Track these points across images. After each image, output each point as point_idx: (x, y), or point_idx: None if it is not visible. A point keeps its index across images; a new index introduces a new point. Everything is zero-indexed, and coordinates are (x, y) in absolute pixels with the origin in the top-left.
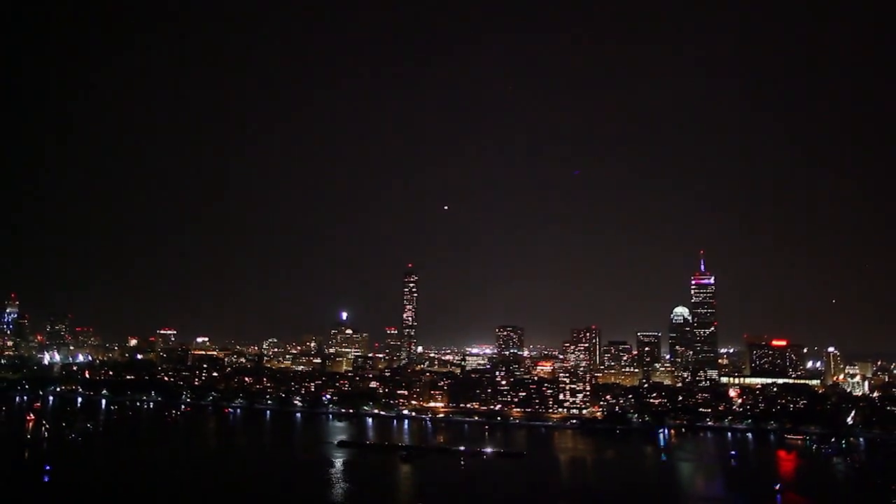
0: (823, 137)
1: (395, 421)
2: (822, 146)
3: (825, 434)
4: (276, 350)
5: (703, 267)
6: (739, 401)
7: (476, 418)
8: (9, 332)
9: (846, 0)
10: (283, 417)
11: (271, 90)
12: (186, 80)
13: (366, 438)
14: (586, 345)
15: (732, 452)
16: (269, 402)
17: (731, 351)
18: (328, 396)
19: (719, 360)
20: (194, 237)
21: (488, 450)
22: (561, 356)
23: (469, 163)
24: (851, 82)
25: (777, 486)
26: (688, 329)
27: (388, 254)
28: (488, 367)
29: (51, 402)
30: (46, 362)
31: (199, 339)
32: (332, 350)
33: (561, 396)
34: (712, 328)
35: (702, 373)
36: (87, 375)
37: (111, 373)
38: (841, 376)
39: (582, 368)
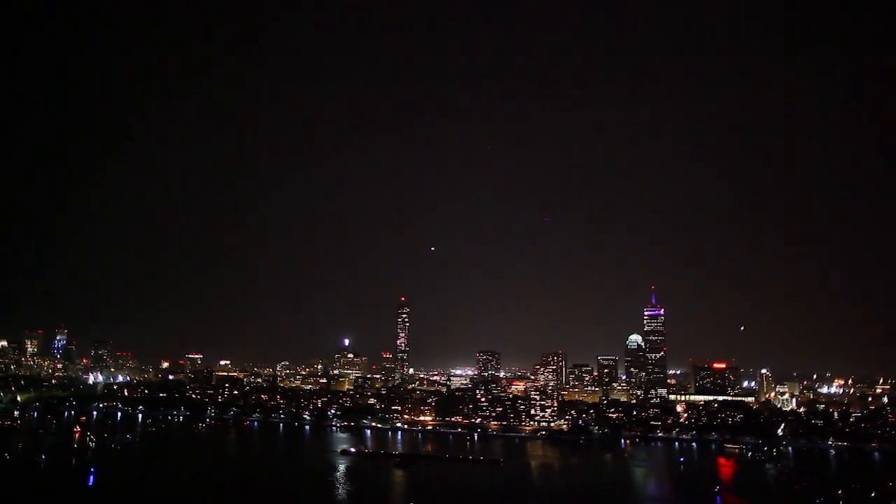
0: (760, 188)
1: (390, 432)
2: (758, 197)
3: (759, 444)
4: (287, 371)
5: (654, 300)
6: (685, 415)
7: (459, 430)
8: (59, 356)
9: (791, 63)
10: (294, 430)
11: (284, 151)
12: (219, 137)
13: (365, 447)
14: (554, 367)
15: (682, 459)
16: (282, 416)
17: (679, 372)
18: (333, 411)
19: (668, 381)
20: (218, 274)
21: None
22: (532, 377)
23: (453, 210)
24: (787, 136)
25: (716, 489)
26: (641, 354)
27: (384, 289)
28: (470, 386)
29: (95, 417)
30: (91, 382)
31: (222, 362)
32: (336, 371)
33: (532, 411)
34: (662, 353)
35: (653, 391)
36: (126, 393)
37: (146, 391)
38: (772, 394)
39: (550, 387)
